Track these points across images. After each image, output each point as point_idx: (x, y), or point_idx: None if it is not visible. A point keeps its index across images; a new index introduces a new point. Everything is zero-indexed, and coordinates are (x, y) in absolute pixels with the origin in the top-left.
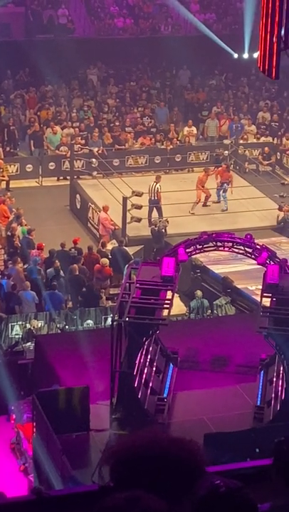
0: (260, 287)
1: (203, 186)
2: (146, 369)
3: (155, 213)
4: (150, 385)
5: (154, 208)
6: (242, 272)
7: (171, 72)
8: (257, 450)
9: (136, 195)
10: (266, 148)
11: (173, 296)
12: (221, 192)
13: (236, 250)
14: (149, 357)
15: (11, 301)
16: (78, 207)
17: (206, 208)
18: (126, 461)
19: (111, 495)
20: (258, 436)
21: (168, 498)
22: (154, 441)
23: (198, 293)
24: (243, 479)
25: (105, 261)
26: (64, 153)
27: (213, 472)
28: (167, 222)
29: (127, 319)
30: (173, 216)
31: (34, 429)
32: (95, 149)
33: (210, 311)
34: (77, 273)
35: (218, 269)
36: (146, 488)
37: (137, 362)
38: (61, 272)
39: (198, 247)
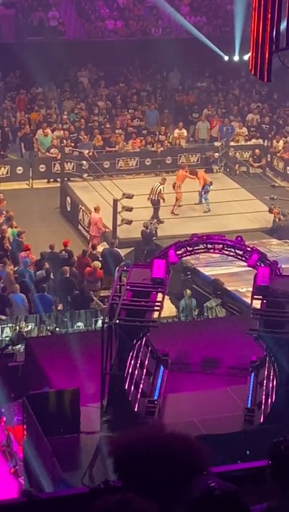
0: (251, 289)
1: (180, 185)
2: (136, 371)
3: (148, 215)
4: (141, 387)
5: (153, 209)
6: (232, 274)
7: (162, 74)
8: (247, 452)
9: (126, 198)
10: (257, 151)
11: (163, 298)
12: (203, 194)
13: (227, 252)
14: (139, 359)
15: (1, 303)
16: (69, 209)
17: (197, 210)
18: (131, 455)
19: (102, 497)
20: (249, 438)
21: (168, 494)
22: (158, 436)
23: (188, 292)
24: (234, 481)
25: (97, 264)
26: (55, 155)
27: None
28: (158, 223)
29: (118, 321)
30: (163, 218)
31: (25, 432)
32: (86, 151)
33: (198, 310)
34: (68, 275)
35: (208, 271)
36: (149, 483)
37: (127, 364)
38: (51, 274)
39: (188, 249)
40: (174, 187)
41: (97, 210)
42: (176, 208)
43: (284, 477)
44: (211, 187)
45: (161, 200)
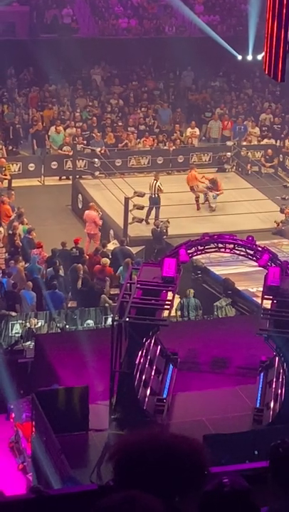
0: (261, 289)
1: (194, 185)
2: (146, 369)
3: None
4: (150, 385)
5: (141, 207)
6: (243, 273)
7: (175, 73)
8: (256, 452)
9: (138, 196)
10: (269, 151)
11: (174, 297)
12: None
13: (238, 252)
14: (149, 357)
15: (11, 299)
16: (80, 207)
17: (207, 209)
18: (129, 457)
19: (108, 495)
20: (257, 438)
21: (170, 495)
22: (157, 438)
23: (191, 291)
24: None
25: (106, 260)
26: (67, 152)
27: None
28: (168, 222)
29: (128, 319)
30: (174, 217)
31: (33, 428)
32: (98, 149)
33: (201, 311)
34: (82, 273)
35: (219, 271)
36: (149, 485)
37: (136, 362)
38: (60, 271)
39: (199, 248)
40: (191, 190)
41: (92, 208)
42: (200, 205)
43: (284, 480)
44: (218, 194)
45: (161, 197)
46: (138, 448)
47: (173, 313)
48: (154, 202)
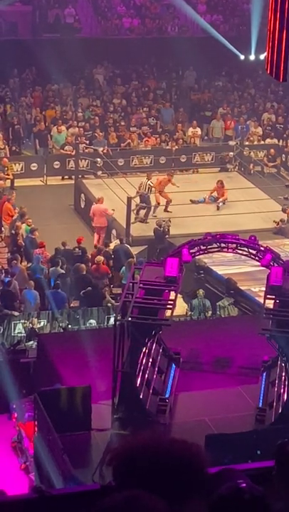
0: (264, 289)
1: (162, 190)
2: (148, 369)
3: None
4: (152, 385)
5: (143, 207)
6: (245, 273)
7: (178, 72)
8: (258, 452)
9: (140, 196)
10: (271, 150)
11: (176, 296)
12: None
13: (240, 252)
14: (151, 357)
15: (10, 299)
16: (82, 206)
17: (209, 209)
18: (128, 462)
19: (110, 495)
20: (260, 438)
21: (169, 499)
22: (156, 442)
23: (200, 292)
24: None
25: (99, 258)
26: (69, 152)
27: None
28: (170, 221)
29: (130, 319)
30: (177, 217)
31: (36, 428)
32: (100, 149)
33: (211, 311)
34: (84, 272)
35: (221, 271)
36: (148, 489)
37: (139, 362)
38: (63, 270)
39: (202, 247)
40: (160, 194)
41: (100, 201)
42: (164, 209)
43: None
44: (224, 204)
45: (152, 196)
46: (137, 452)
47: (183, 313)
48: (144, 201)
